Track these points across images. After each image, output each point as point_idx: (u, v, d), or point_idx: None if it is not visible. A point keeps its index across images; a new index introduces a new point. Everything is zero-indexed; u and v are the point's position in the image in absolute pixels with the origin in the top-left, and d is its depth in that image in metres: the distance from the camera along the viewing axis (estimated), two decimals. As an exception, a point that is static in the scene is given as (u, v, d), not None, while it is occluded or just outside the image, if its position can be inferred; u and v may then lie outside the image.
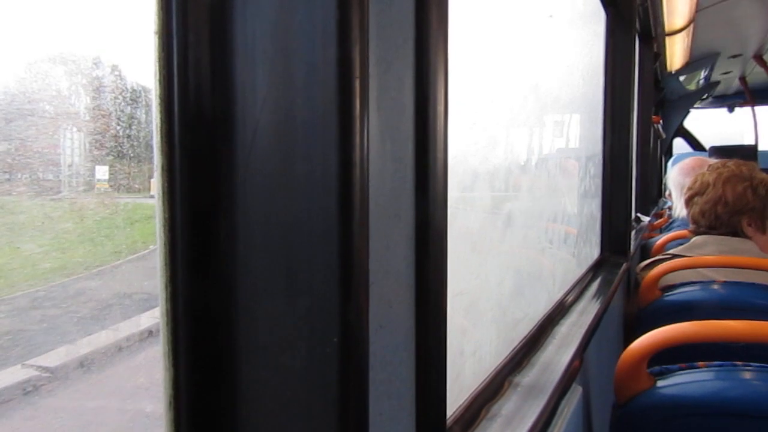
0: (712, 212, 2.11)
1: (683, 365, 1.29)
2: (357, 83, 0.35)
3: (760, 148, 6.59)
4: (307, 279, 0.36)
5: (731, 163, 2.18)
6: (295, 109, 0.36)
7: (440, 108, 0.48)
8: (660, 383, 1.28)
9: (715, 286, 1.97)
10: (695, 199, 2.18)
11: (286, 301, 0.36)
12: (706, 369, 1.26)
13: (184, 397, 0.37)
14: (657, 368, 1.32)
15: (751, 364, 1.25)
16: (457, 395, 0.80)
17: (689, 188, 2.23)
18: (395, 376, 0.43)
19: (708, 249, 2.11)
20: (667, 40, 4.02)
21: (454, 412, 0.76)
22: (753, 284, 1.92)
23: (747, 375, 1.24)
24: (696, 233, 2.20)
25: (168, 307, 0.37)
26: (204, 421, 0.38)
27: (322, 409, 0.36)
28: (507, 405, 0.89)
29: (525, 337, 1.12)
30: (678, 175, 3.31)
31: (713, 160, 2.52)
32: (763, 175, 2.17)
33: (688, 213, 2.24)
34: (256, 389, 0.37)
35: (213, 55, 0.36)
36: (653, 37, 3.65)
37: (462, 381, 0.84)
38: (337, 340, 0.35)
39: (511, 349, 1.05)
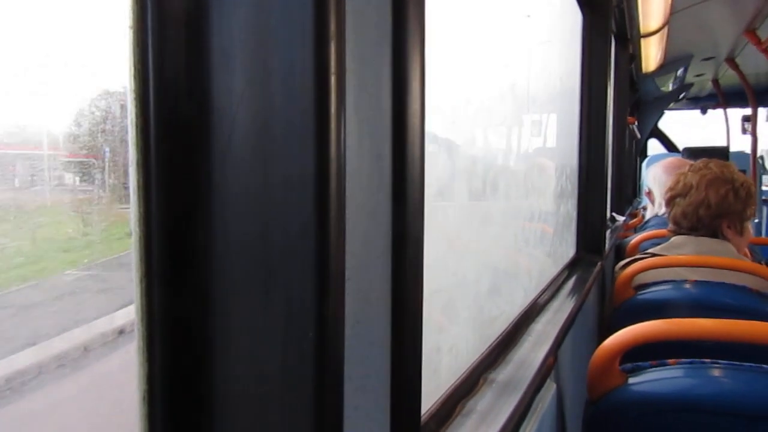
0: (694, 214, 2.14)
1: (654, 362, 1.32)
2: (333, 80, 0.35)
3: (732, 149, 6.72)
4: (284, 275, 0.36)
5: (713, 165, 2.21)
6: (272, 106, 0.36)
7: (417, 105, 0.48)
8: (631, 380, 1.30)
9: (687, 286, 2.01)
10: (677, 200, 2.20)
11: (262, 296, 0.37)
12: (676, 366, 1.29)
13: (158, 393, 0.37)
14: (629, 365, 1.34)
15: (720, 361, 1.28)
16: (433, 391, 0.81)
17: (670, 188, 2.25)
18: (372, 371, 0.44)
19: (686, 249, 2.15)
20: (643, 42, 4.08)
21: (430, 408, 0.77)
22: (723, 284, 1.97)
23: (715, 372, 1.27)
24: (675, 233, 2.24)
25: (143, 302, 0.37)
26: (179, 416, 0.38)
27: (298, 404, 0.36)
28: (482, 401, 0.90)
29: (501, 334, 1.14)
30: (662, 174, 3.35)
31: (690, 162, 2.56)
32: (743, 177, 2.20)
33: (669, 213, 2.26)
34: (231, 383, 0.37)
35: (189, 51, 0.36)
36: (629, 38, 3.70)
37: (438, 377, 0.85)
38: (313, 335, 0.36)
39: (487, 346, 1.06)
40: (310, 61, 0.35)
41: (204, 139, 0.37)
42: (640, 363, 1.35)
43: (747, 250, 2.72)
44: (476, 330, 1.07)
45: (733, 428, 1.21)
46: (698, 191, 2.14)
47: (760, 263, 2.65)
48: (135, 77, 0.36)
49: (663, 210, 3.41)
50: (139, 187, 0.36)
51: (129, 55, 0.37)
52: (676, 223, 2.21)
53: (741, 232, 2.18)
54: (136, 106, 0.36)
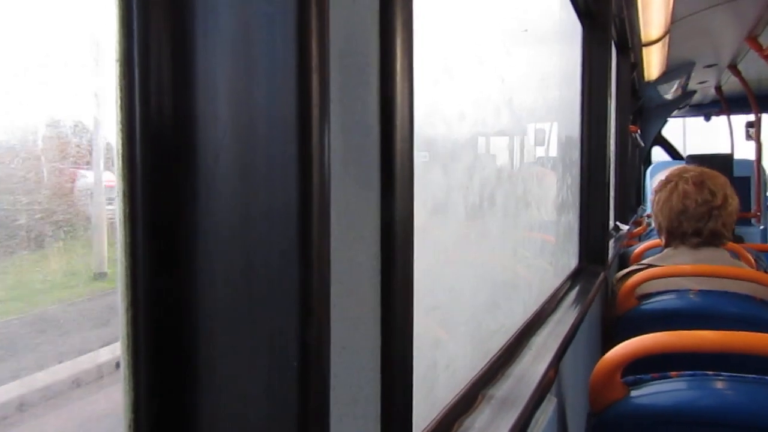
0: (699, 224, 2.13)
1: (656, 375, 1.31)
2: (315, 77, 0.35)
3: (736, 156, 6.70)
4: (267, 301, 0.36)
5: (700, 172, 2.20)
6: (257, 132, 0.36)
7: (405, 105, 0.48)
8: (633, 393, 1.29)
9: (691, 295, 2.00)
10: (715, 212, 2.16)
11: (246, 323, 0.37)
12: (678, 379, 1.28)
13: (143, 422, 0.37)
14: (631, 378, 1.33)
15: (722, 373, 1.27)
16: (429, 410, 0.80)
17: (707, 201, 2.20)
18: (360, 396, 0.44)
19: (681, 258, 2.14)
20: (644, 50, 4.08)
21: (426, 428, 0.76)
22: (726, 293, 1.96)
23: (718, 384, 1.26)
24: (666, 245, 2.23)
25: (129, 330, 0.37)
26: (165, 444, 0.38)
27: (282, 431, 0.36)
28: (480, 418, 0.89)
29: (500, 348, 1.13)
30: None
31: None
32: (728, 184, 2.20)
33: (704, 223, 2.20)
34: (215, 414, 0.37)
35: (174, 82, 0.37)
36: (630, 47, 3.70)
37: (435, 395, 0.84)
38: (297, 364, 0.36)
39: (486, 361, 1.05)
40: (293, 56, 0.35)
41: (189, 168, 0.37)
42: (642, 375, 1.34)
43: (751, 257, 2.71)
44: (475, 345, 1.07)
45: (737, 440, 1.20)
46: (734, 199, 2.13)
47: (766, 271, 2.64)
48: (121, 108, 0.37)
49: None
50: (125, 216, 0.37)
51: (116, 87, 0.37)
52: (716, 234, 2.14)
53: (731, 239, 2.19)
54: (122, 138, 0.37)
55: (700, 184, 2.14)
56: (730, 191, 2.14)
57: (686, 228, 2.13)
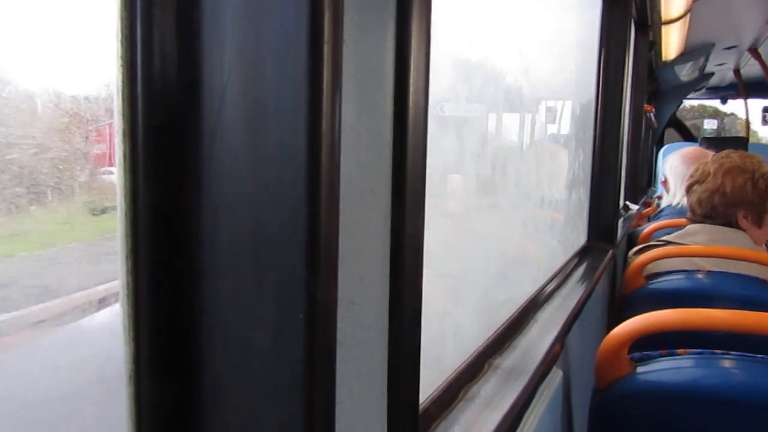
0: (708, 202, 2.11)
1: (663, 352, 1.30)
2: (328, 50, 0.34)
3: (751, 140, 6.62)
4: (274, 254, 0.35)
5: (735, 155, 2.17)
6: (264, 78, 0.34)
7: (421, 81, 0.46)
8: (640, 369, 1.28)
9: (700, 275, 1.98)
10: (694, 187, 2.18)
11: (251, 276, 0.36)
12: (685, 356, 1.27)
13: (145, 372, 0.36)
14: (638, 354, 1.32)
15: (730, 352, 1.26)
16: (437, 377, 0.80)
17: (690, 176, 2.23)
18: (366, 353, 0.43)
19: (699, 237, 2.12)
20: (663, 29, 3.99)
21: (432, 393, 0.76)
22: (738, 275, 1.94)
23: (726, 363, 1.25)
24: (692, 221, 2.21)
25: (129, 279, 0.36)
26: (165, 397, 0.37)
27: (287, 387, 0.35)
28: (486, 386, 0.89)
29: (507, 320, 1.12)
30: (680, 164, 3.31)
31: (711, 152, 2.52)
32: (766, 169, 2.16)
33: (687, 201, 2.24)
34: (218, 365, 0.36)
35: (179, 40, 0.35)
36: (649, 25, 3.63)
37: (442, 362, 0.84)
38: (303, 317, 0.34)
39: (493, 331, 1.05)
40: (304, 28, 0.33)
41: (194, 111, 0.36)
42: (649, 352, 1.33)
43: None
44: (482, 315, 1.06)
45: (742, 419, 1.20)
46: (714, 179, 2.11)
47: None
48: (122, 43, 0.35)
49: (677, 200, 3.37)
50: (125, 158, 0.35)
51: (116, 45, 0.35)
52: (692, 210, 2.18)
53: (759, 223, 2.14)
54: (123, 100, 0.35)
55: (717, 164, 2.12)
56: (755, 177, 2.11)
57: (719, 208, 2.11)
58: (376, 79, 0.42)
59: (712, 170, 2.12)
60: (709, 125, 9.19)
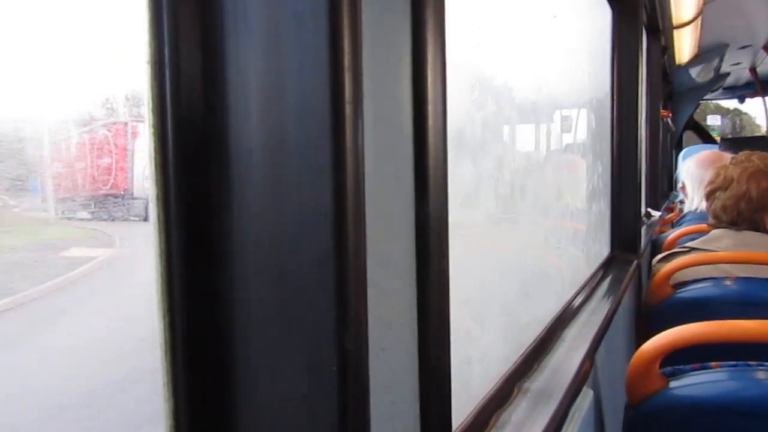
0: (734, 208, 2.07)
1: (696, 366, 1.28)
2: (349, 108, 0.34)
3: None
4: (303, 307, 0.36)
5: (756, 157, 2.13)
6: (288, 136, 0.35)
7: (439, 102, 0.47)
8: (673, 384, 1.26)
9: (728, 282, 1.95)
10: (717, 193, 2.13)
11: (282, 330, 0.36)
12: (719, 369, 1.25)
13: (183, 428, 0.37)
14: (669, 369, 1.31)
15: (765, 363, 1.24)
16: (464, 403, 0.80)
17: (710, 182, 2.17)
18: (399, 397, 0.43)
19: (724, 243, 2.08)
20: (675, 33, 3.98)
21: (463, 422, 0.75)
22: (767, 280, 1.90)
23: (761, 375, 1.22)
24: (715, 227, 2.17)
25: (167, 337, 0.37)
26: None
27: (323, 437, 0.36)
28: (517, 411, 0.88)
29: (534, 340, 1.12)
30: (696, 168, 3.26)
31: (728, 155, 2.48)
32: None
33: (709, 207, 2.18)
34: (254, 420, 0.37)
35: (206, 82, 0.36)
36: (660, 30, 3.61)
37: (471, 388, 0.83)
38: (336, 369, 0.35)
39: (520, 353, 1.04)
40: (324, 55, 0.34)
41: (221, 170, 0.37)
42: (681, 366, 1.31)
43: None
44: (508, 337, 1.05)
45: (780, 431, 1.17)
46: (739, 184, 2.07)
47: None
48: (153, 112, 0.36)
49: (695, 205, 3.32)
50: (159, 220, 0.37)
51: (147, 89, 0.37)
52: (716, 217, 2.14)
53: None
54: (155, 141, 0.36)
55: (740, 169, 2.09)
56: None
57: (745, 213, 2.07)
58: (394, 102, 0.43)
59: (735, 176, 2.08)
60: (713, 121, 8.99)
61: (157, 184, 0.36)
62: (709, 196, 2.17)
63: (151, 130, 0.36)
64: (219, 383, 0.38)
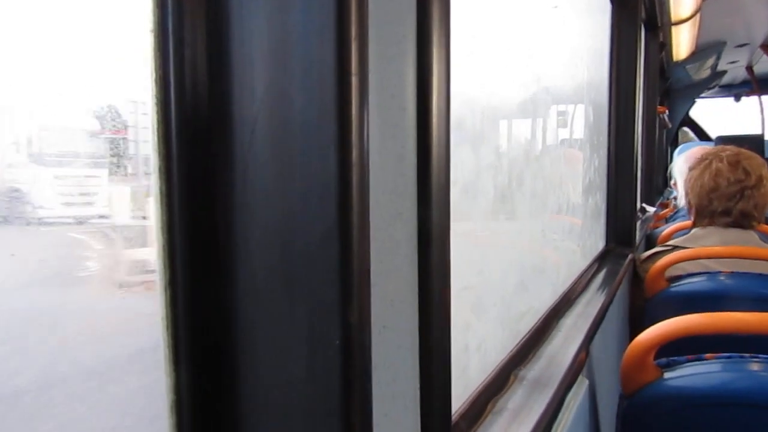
0: (730, 203, 2.06)
1: (690, 357, 1.29)
2: (355, 80, 0.34)
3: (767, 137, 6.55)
4: (307, 282, 0.36)
5: (737, 152, 2.14)
6: (293, 108, 0.35)
7: (442, 104, 0.47)
8: (667, 375, 1.27)
9: (722, 277, 1.96)
10: (747, 192, 2.09)
11: (285, 304, 0.36)
12: (713, 360, 1.26)
13: (186, 403, 0.37)
14: (664, 360, 1.31)
15: (759, 355, 1.25)
16: (462, 390, 0.80)
17: (739, 180, 2.12)
18: (400, 375, 0.43)
19: (710, 240, 2.09)
20: (673, 29, 3.98)
21: (460, 407, 0.76)
22: (759, 275, 1.91)
23: (755, 366, 1.23)
24: (697, 224, 2.17)
25: (168, 312, 0.37)
26: (206, 426, 0.37)
27: (326, 413, 0.36)
28: (513, 398, 0.89)
29: (530, 330, 1.12)
30: (684, 165, 3.28)
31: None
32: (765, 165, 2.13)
33: (735, 204, 2.13)
34: (257, 393, 0.37)
35: (209, 53, 0.36)
36: (659, 26, 3.62)
37: (468, 375, 0.84)
38: (339, 343, 0.35)
39: (517, 342, 1.04)
40: (331, 60, 0.34)
41: (225, 140, 0.36)
42: (675, 357, 1.32)
43: None
44: (505, 326, 1.05)
45: (773, 423, 1.18)
46: (731, 180, 2.06)
47: None
48: (156, 82, 0.36)
49: (684, 201, 3.32)
50: (161, 194, 0.36)
51: (150, 59, 0.36)
52: (747, 215, 2.07)
53: (763, 220, 2.12)
54: (158, 113, 0.36)
55: (734, 163, 2.09)
56: (766, 172, 2.07)
57: (716, 207, 2.07)
58: (399, 105, 0.43)
59: (764, 173, 2.05)
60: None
61: (159, 156, 0.36)
62: (737, 193, 2.09)
63: (154, 100, 0.36)
64: (222, 358, 0.37)
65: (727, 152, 2.13)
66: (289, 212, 0.36)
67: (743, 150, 2.13)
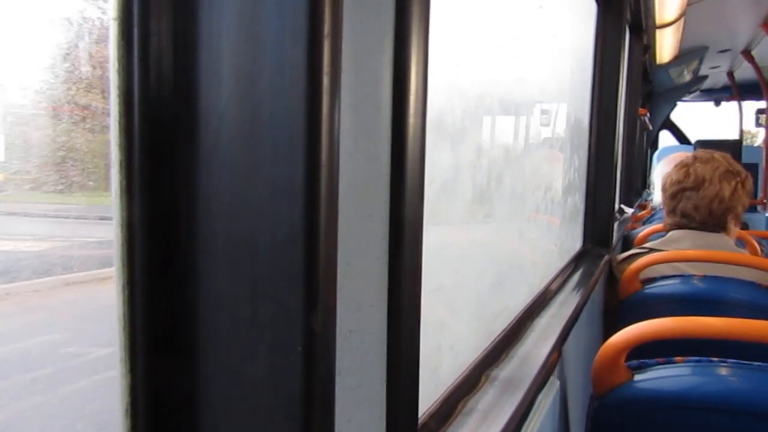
0: (707, 208, 2.08)
1: (661, 360, 1.30)
2: (327, 79, 0.33)
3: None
4: (271, 285, 0.35)
5: (719, 156, 2.15)
6: (261, 105, 0.34)
7: (419, 104, 0.46)
8: (637, 377, 1.28)
9: (695, 281, 1.99)
10: (687, 193, 2.12)
11: (248, 307, 0.35)
12: (683, 364, 1.27)
13: (141, 405, 0.36)
14: (635, 362, 1.32)
15: (727, 360, 1.26)
16: (433, 390, 0.79)
17: (678, 181, 2.16)
18: (365, 380, 0.42)
19: (685, 243, 2.11)
20: (658, 33, 4.01)
21: (430, 407, 0.75)
22: (731, 279, 1.94)
23: (723, 371, 1.25)
24: (674, 228, 2.18)
25: (125, 310, 0.35)
26: (162, 430, 0.36)
27: (286, 418, 0.35)
28: (484, 399, 0.88)
29: (504, 330, 1.12)
30: (664, 168, 3.32)
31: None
32: (742, 168, 2.16)
33: (675, 206, 2.17)
34: (216, 397, 0.36)
35: (176, 44, 0.34)
36: (643, 29, 3.64)
37: (439, 375, 0.83)
38: (301, 349, 0.34)
39: (490, 342, 1.04)
40: (302, 58, 0.33)
41: (191, 136, 0.35)
42: (646, 360, 1.33)
43: (756, 244, 2.69)
44: (479, 326, 1.05)
45: (740, 426, 1.20)
46: (712, 184, 2.08)
47: None
48: (119, 72, 0.35)
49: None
50: (121, 189, 0.35)
51: (113, 48, 0.35)
52: (685, 216, 2.14)
53: (737, 224, 2.15)
54: (120, 104, 0.34)
55: (684, 166, 2.12)
56: (742, 179, 2.10)
57: (689, 211, 2.10)
58: (373, 106, 0.42)
59: (707, 175, 2.09)
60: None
61: (120, 149, 0.35)
62: (677, 194, 2.16)
63: (117, 91, 0.34)
64: (181, 361, 0.36)
65: (703, 157, 2.16)
66: (254, 212, 0.35)
67: (720, 155, 2.15)
